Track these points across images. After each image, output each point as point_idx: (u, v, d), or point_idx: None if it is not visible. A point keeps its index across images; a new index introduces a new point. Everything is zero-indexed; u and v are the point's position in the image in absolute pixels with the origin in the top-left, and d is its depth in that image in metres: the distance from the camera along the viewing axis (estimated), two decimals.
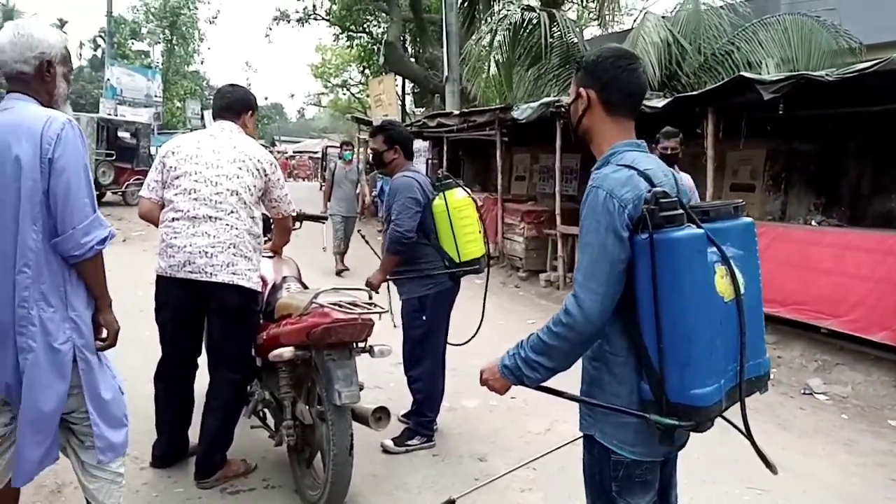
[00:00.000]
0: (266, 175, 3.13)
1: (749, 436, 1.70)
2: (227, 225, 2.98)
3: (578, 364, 1.79)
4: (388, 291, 3.82)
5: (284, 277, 3.45)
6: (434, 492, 3.28)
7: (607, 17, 13.93)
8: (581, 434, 1.86)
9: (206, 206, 2.98)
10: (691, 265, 1.57)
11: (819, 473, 3.74)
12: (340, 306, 2.79)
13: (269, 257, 3.61)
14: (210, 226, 2.97)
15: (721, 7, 10.33)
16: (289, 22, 28.03)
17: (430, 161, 13.82)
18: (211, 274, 2.94)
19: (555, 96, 9.79)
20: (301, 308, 2.87)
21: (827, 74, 5.37)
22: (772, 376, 5.58)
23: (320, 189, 26.64)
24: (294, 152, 42.22)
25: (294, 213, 3.46)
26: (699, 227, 1.62)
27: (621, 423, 1.72)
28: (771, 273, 6.06)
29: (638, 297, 1.62)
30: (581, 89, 1.83)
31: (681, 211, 1.60)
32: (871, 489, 3.60)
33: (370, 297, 3.01)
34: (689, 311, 1.56)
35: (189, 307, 3.08)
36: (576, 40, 10.87)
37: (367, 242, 4.70)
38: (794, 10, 10.28)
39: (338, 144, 33.95)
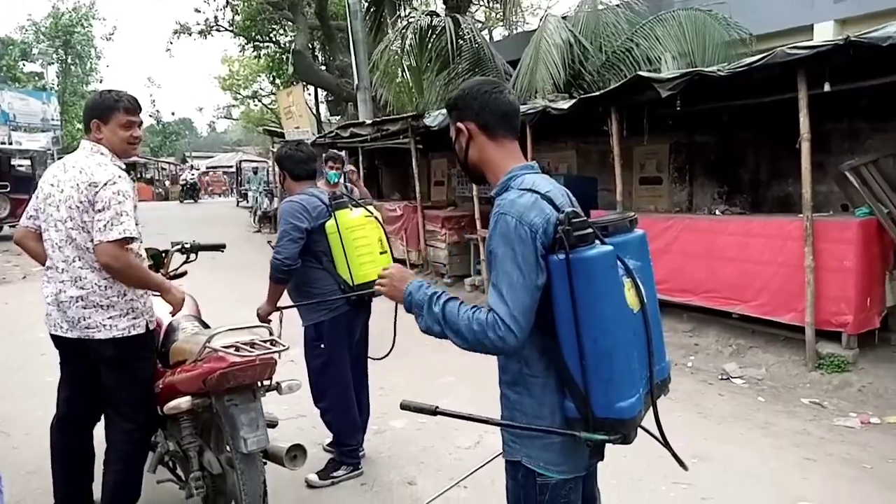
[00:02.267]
0: (95, 198, 2.65)
1: (664, 439, 1.72)
2: (71, 277, 2.70)
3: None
4: (281, 323, 3.64)
5: (180, 318, 3.21)
6: None
7: (513, 19, 14.10)
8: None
9: (55, 252, 2.73)
10: (606, 282, 1.60)
11: (739, 460, 3.83)
12: (237, 348, 2.61)
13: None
14: (59, 276, 2.72)
15: (618, 5, 10.60)
16: (190, 35, 27.06)
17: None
18: (66, 329, 2.72)
19: None
20: (195, 353, 2.68)
21: (719, 69, 5.55)
22: (690, 364, 5.76)
23: (237, 205, 25.92)
24: (207, 168, 40.78)
25: (119, 238, 2.60)
26: (604, 243, 1.63)
27: (547, 444, 1.71)
28: (681, 263, 6.26)
29: (557, 318, 1.61)
30: (459, 124, 1.84)
31: (591, 230, 1.62)
32: (789, 470, 3.72)
33: (271, 333, 2.83)
34: (608, 328, 1.58)
35: (70, 357, 2.85)
36: (480, 42, 10.92)
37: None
38: (687, 5, 10.69)
39: (254, 158, 33.17)
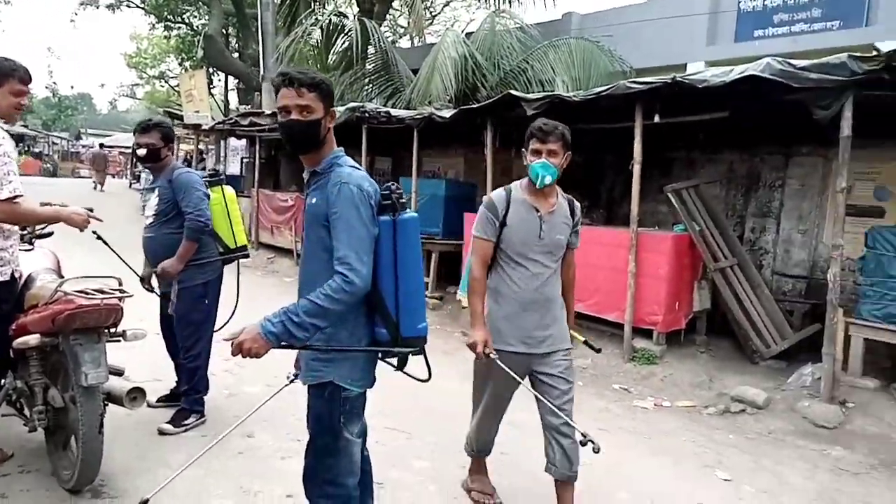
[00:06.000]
0: None
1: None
2: None
3: None
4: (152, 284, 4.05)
5: (39, 270, 3.47)
6: (196, 465, 3.51)
7: (423, 30, 14.66)
8: (291, 383, 2.39)
9: None
10: (416, 237, 2.21)
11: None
12: (86, 293, 2.93)
13: (28, 250, 3.62)
14: None
15: (515, 28, 11.35)
16: (98, 7, 25.97)
17: (244, 160, 13.68)
18: None
19: (366, 101, 10.27)
20: (46, 297, 2.98)
21: (574, 95, 6.31)
22: None
23: (130, 187, 24.83)
24: (101, 146, 38.85)
25: (9, 197, 2.81)
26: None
27: (354, 364, 2.22)
28: None
29: (379, 265, 2.15)
30: (331, 109, 2.25)
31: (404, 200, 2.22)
32: (610, 440, 4.38)
33: (120, 284, 3.15)
34: (416, 271, 2.21)
35: None
36: (385, 48, 11.38)
37: (107, 245, 4.07)
38: (578, 35, 11.62)
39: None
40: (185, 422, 3.99)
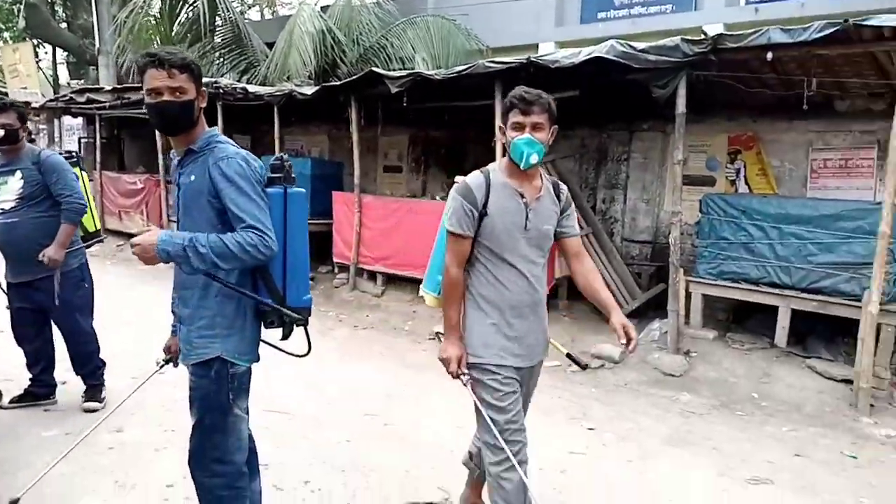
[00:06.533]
0: None
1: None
2: None
3: None
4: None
5: None
6: (65, 464, 3.28)
7: (275, 1, 14.11)
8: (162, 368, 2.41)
9: None
10: (304, 210, 2.28)
11: (424, 396, 4.62)
12: None
13: None
14: None
15: (372, 4, 11.25)
16: None
17: (82, 140, 12.51)
18: None
19: (218, 76, 9.76)
20: None
21: (436, 73, 6.42)
22: (407, 328, 6.57)
23: None
24: None
25: None
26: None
27: (242, 338, 2.23)
28: (406, 241, 7.08)
29: None
30: (203, 89, 2.24)
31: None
32: (455, 398, 4.57)
33: None
34: (303, 244, 2.26)
35: None
36: (236, 19, 10.88)
37: None
38: (437, 13, 11.74)
39: None
40: (102, 395, 4.12)
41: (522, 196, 2.37)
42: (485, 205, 2.33)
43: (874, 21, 4.23)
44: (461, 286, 2.43)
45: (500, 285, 2.39)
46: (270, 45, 10.92)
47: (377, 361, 5.54)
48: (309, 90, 7.58)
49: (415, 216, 7.11)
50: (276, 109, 8.17)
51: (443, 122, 8.75)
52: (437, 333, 2.74)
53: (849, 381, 4.74)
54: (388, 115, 8.06)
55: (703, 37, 4.96)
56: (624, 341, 2.33)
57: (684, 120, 5.31)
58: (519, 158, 2.29)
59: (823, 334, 5.35)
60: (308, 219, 2.38)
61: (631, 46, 5.21)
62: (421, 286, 2.88)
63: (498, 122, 6.33)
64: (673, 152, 5.54)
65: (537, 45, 11.45)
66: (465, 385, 2.39)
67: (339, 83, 7.42)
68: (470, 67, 6.13)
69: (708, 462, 3.74)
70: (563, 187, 2.56)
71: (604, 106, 7.43)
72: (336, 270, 8.10)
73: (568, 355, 2.73)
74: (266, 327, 2.30)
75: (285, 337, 2.32)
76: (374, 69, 7.06)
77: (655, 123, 7.54)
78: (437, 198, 7.60)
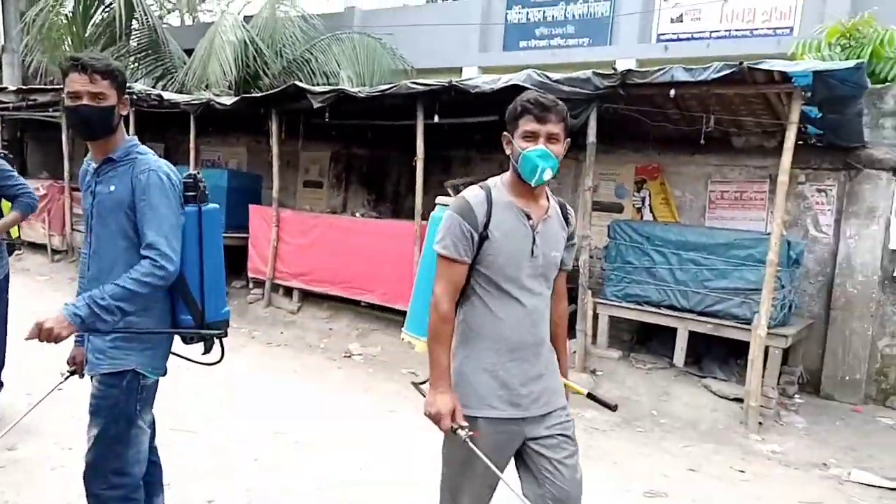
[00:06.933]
0: None
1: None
2: None
3: None
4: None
5: None
6: None
7: (195, 7, 13.80)
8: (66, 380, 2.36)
9: None
10: (219, 227, 2.34)
11: (340, 412, 4.60)
12: None
13: None
14: None
15: (297, 17, 11.20)
16: None
17: None
18: None
19: (132, 81, 9.42)
20: None
21: (359, 91, 6.47)
22: (323, 345, 6.52)
23: None
24: None
25: None
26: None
27: (154, 352, 2.26)
28: (324, 257, 7.04)
29: (184, 251, 2.20)
30: (125, 97, 2.24)
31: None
32: (376, 408, 4.59)
33: None
34: (219, 259, 2.33)
35: None
36: (153, 24, 10.58)
37: None
38: (362, 31, 11.80)
39: None
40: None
41: (529, 217, 1.98)
42: (486, 226, 1.93)
43: (765, 65, 4.61)
44: (453, 322, 1.99)
45: (501, 322, 1.97)
46: (189, 52, 10.66)
47: (290, 379, 5.47)
48: (228, 100, 7.45)
49: (334, 232, 7.09)
50: (192, 118, 7.97)
51: (366, 140, 8.78)
52: (416, 384, 2.24)
53: (740, 400, 5.07)
54: (310, 129, 8.01)
55: (613, 71, 5.26)
56: None
57: (594, 149, 5.59)
58: (531, 173, 1.90)
59: (718, 355, 5.71)
60: (223, 232, 2.42)
61: (547, 77, 5.44)
62: (403, 329, 2.85)
63: (419, 142, 6.47)
64: (584, 179, 5.81)
65: (461, 69, 11.74)
66: (465, 440, 1.90)
67: (260, 95, 7.33)
68: (393, 87, 6.21)
69: (608, 476, 3.91)
70: (571, 210, 2.18)
71: None
72: (251, 286, 7.93)
73: (589, 395, 2.36)
74: (186, 343, 2.36)
75: (207, 350, 2.38)
76: (297, 83, 7.03)
77: (570, 151, 7.80)
78: (358, 214, 7.61)
